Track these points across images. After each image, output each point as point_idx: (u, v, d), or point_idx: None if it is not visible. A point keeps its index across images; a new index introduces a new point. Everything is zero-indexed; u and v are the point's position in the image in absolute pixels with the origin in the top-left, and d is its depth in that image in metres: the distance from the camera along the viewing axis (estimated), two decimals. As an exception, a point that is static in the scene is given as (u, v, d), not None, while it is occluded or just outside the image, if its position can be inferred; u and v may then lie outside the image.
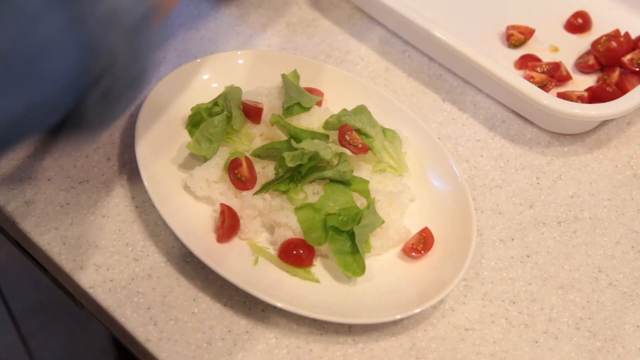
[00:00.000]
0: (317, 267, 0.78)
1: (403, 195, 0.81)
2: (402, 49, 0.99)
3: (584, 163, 0.89)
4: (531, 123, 0.92)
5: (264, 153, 0.81)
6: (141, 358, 0.75)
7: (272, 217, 0.78)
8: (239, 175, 0.79)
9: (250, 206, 0.79)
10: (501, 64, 0.91)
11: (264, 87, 0.88)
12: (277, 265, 0.77)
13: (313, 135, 0.81)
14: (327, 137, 0.82)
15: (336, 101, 0.89)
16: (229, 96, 0.84)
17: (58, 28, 0.51)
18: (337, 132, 0.82)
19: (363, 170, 0.82)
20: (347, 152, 0.80)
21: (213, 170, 0.80)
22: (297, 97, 0.85)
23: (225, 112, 0.83)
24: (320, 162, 0.78)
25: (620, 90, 0.91)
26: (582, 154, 0.90)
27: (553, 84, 0.94)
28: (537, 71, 0.95)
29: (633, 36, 0.98)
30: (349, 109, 0.84)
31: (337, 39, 0.99)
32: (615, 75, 0.94)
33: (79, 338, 1.22)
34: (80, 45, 0.53)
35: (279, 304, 0.72)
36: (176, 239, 0.78)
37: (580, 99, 0.92)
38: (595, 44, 0.97)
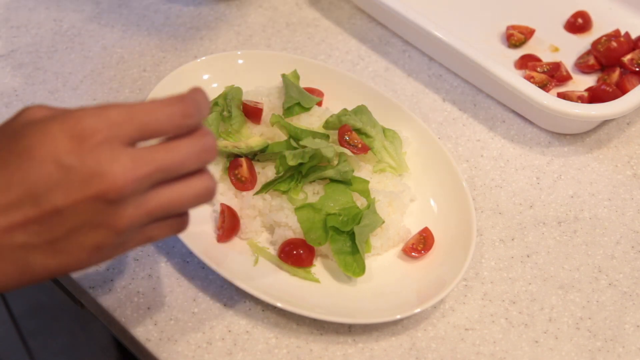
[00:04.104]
0: (317, 267, 0.78)
1: (403, 195, 0.81)
2: (402, 49, 0.99)
3: (584, 163, 0.89)
4: (531, 123, 0.92)
5: (262, 157, 0.81)
6: (141, 358, 0.75)
7: (272, 217, 0.78)
8: (239, 175, 0.79)
9: (250, 206, 0.79)
10: (501, 64, 0.91)
11: (264, 87, 0.88)
12: (277, 265, 0.77)
13: (314, 135, 0.81)
14: (327, 136, 0.82)
15: (336, 101, 0.89)
16: (229, 96, 0.84)
17: None
18: (337, 132, 0.82)
19: (363, 170, 0.82)
20: (347, 152, 0.80)
21: (213, 170, 0.80)
22: (297, 97, 0.84)
23: (218, 110, 0.83)
24: (321, 161, 0.78)
25: (620, 90, 0.91)
26: (582, 154, 0.90)
27: (553, 84, 0.94)
28: (537, 71, 0.95)
29: (633, 36, 0.98)
30: (349, 109, 0.84)
31: (337, 39, 0.99)
32: (615, 75, 0.94)
33: (79, 338, 1.22)
34: None
35: (279, 304, 0.72)
36: (176, 238, 0.78)
37: (580, 99, 0.92)
38: (595, 44, 0.97)
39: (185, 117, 0.55)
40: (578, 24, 1.02)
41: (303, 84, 0.89)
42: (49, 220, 0.52)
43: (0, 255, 0.52)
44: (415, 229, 0.80)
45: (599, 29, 1.01)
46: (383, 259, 0.79)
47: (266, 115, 0.85)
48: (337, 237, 0.76)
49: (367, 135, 0.83)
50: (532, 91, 0.87)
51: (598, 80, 0.96)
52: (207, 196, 0.57)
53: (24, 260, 0.53)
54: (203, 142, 0.56)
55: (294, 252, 0.76)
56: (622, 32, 0.98)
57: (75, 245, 0.53)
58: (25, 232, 0.52)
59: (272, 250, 0.78)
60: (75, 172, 0.51)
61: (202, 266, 0.77)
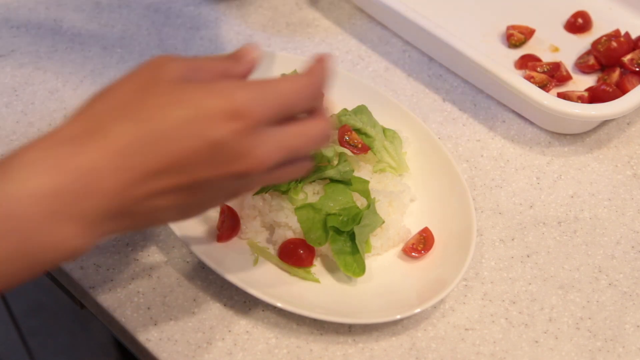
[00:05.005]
0: (317, 267, 0.78)
1: (403, 195, 0.81)
2: (402, 49, 0.99)
3: (584, 163, 0.89)
4: (531, 123, 0.92)
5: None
6: (141, 358, 0.75)
7: (272, 217, 0.78)
8: (239, 175, 0.79)
9: (250, 206, 0.79)
10: (501, 64, 0.91)
11: (264, 87, 0.88)
12: (277, 265, 0.77)
13: (313, 135, 0.81)
14: (327, 137, 0.82)
15: (336, 101, 0.89)
16: (229, 96, 0.84)
17: None
18: (337, 132, 0.82)
19: (363, 170, 0.82)
20: (348, 152, 0.80)
21: (213, 170, 0.80)
22: (297, 97, 0.84)
23: None
24: (321, 161, 0.78)
25: (620, 90, 0.91)
26: (582, 154, 0.90)
27: (553, 84, 0.94)
28: (537, 71, 0.95)
29: (633, 36, 0.98)
30: (349, 109, 0.84)
31: (337, 39, 0.99)
32: (615, 75, 0.94)
33: (79, 338, 1.22)
34: None
35: (279, 304, 0.72)
36: (176, 238, 0.78)
37: (580, 99, 0.92)
38: (595, 44, 0.97)
39: (318, 98, 0.59)
40: (578, 24, 1.02)
41: (303, 84, 0.89)
42: (188, 189, 0.55)
43: (136, 215, 0.55)
44: (415, 229, 0.80)
45: (599, 29, 1.01)
46: (383, 259, 0.79)
47: (266, 115, 0.84)
48: (337, 237, 0.76)
49: (367, 135, 0.83)
50: (532, 91, 0.87)
51: (598, 80, 0.96)
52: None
53: (154, 217, 0.56)
54: (326, 123, 0.60)
55: (294, 252, 0.76)
56: (622, 32, 0.98)
57: (203, 208, 0.59)
58: (164, 197, 0.54)
59: (272, 250, 0.78)
60: (224, 151, 0.54)
61: (202, 266, 0.77)
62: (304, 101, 0.58)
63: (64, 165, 0.52)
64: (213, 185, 0.55)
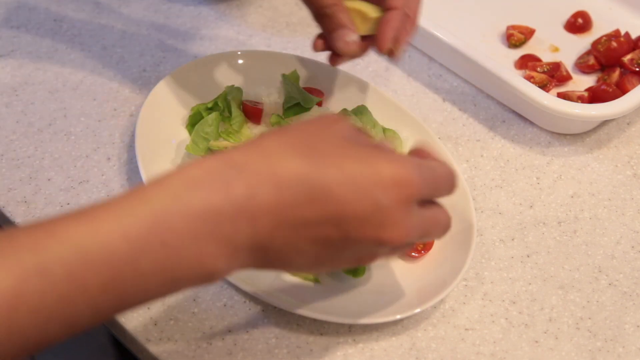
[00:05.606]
0: (317, 267, 0.78)
1: (403, 195, 0.81)
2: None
3: (584, 163, 0.90)
4: (531, 123, 0.92)
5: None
6: (141, 358, 0.75)
7: (272, 217, 0.78)
8: (239, 175, 0.79)
9: (250, 206, 0.78)
10: (501, 64, 0.91)
11: (264, 87, 0.88)
12: (277, 265, 0.77)
13: (313, 135, 0.81)
14: (327, 137, 0.82)
15: (336, 101, 0.89)
16: (229, 96, 0.84)
17: None
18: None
19: (363, 170, 0.82)
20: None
21: (213, 170, 0.80)
22: (297, 97, 0.84)
23: (218, 110, 0.83)
24: None
25: (620, 90, 0.91)
26: (582, 154, 0.90)
27: (553, 84, 0.94)
28: (537, 71, 0.95)
29: (633, 36, 0.98)
30: (349, 109, 0.84)
31: (337, 39, 0.99)
32: (615, 75, 0.94)
33: (79, 338, 1.22)
34: None
35: (279, 304, 0.72)
36: (176, 239, 0.78)
37: (580, 99, 0.92)
38: (595, 44, 0.97)
39: (454, 189, 0.61)
40: (578, 24, 1.02)
41: (303, 84, 0.89)
42: (334, 244, 0.55)
43: (275, 253, 0.54)
44: (415, 229, 0.80)
45: (599, 29, 1.01)
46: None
47: (266, 116, 0.85)
48: (337, 237, 0.76)
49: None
50: (532, 91, 0.87)
51: (598, 80, 0.96)
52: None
53: (286, 262, 0.56)
54: (450, 218, 0.62)
55: (294, 252, 0.76)
56: (622, 32, 0.98)
57: (331, 267, 0.58)
58: (310, 245, 0.55)
59: (272, 250, 0.78)
60: (382, 214, 0.54)
61: (202, 266, 0.77)
62: (447, 188, 0.60)
63: (226, 188, 0.51)
64: (355, 246, 0.56)
